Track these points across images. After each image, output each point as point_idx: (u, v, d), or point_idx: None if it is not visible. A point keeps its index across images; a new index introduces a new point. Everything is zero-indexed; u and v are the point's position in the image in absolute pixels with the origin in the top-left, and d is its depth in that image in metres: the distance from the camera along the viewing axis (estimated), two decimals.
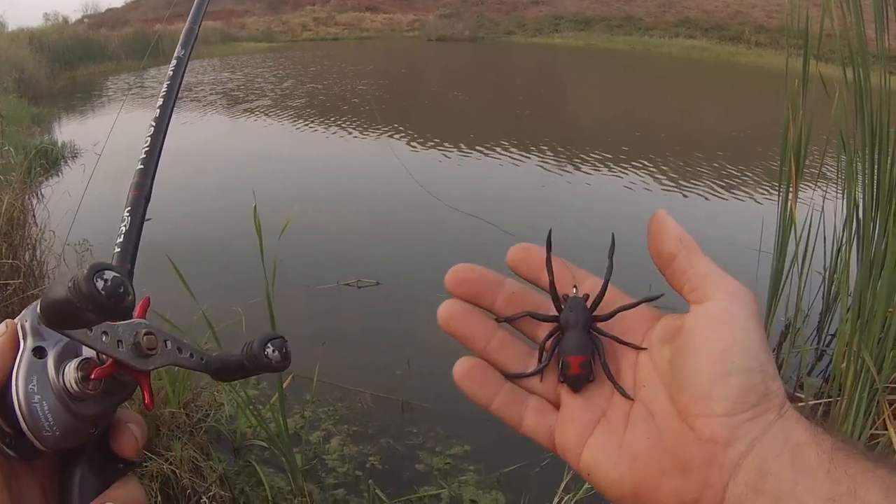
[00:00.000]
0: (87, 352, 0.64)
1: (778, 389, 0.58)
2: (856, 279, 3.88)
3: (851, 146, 4.05)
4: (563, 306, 0.71)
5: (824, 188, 5.33)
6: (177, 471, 3.60)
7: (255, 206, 3.40)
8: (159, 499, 3.50)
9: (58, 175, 10.83)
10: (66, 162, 11.62)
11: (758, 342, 0.59)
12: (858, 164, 3.99)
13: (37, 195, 8.66)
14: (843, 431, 3.55)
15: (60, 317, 0.54)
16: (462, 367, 0.69)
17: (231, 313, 4.65)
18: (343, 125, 15.39)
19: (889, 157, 3.64)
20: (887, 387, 3.65)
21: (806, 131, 4.31)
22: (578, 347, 0.67)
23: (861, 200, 3.99)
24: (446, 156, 12.63)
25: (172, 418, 3.93)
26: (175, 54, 0.97)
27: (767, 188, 10.24)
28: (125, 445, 0.67)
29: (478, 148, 13.13)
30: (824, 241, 5.17)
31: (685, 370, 0.60)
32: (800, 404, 4.27)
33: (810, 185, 5.75)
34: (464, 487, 3.90)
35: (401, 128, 14.90)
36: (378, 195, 9.87)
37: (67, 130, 14.33)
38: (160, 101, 0.91)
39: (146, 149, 0.87)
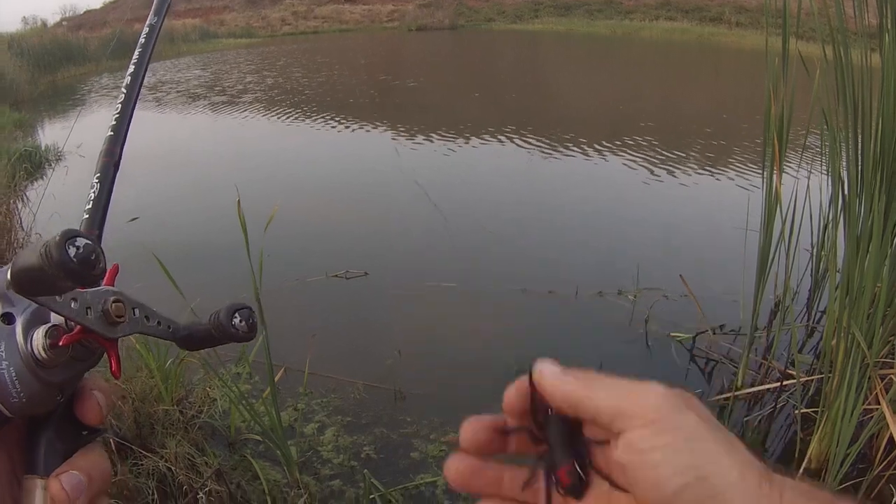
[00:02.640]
0: (56, 318, 0.64)
1: (746, 473, 0.54)
2: (843, 255, 3.89)
3: (834, 123, 4.06)
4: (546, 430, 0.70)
5: (809, 165, 5.34)
6: (172, 468, 3.60)
7: (239, 201, 3.40)
8: (156, 496, 3.51)
9: (42, 178, 10.77)
10: (50, 165, 11.57)
11: (704, 446, 0.55)
12: (842, 141, 4.00)
13: (22, 199, 8.64)
14: (837, 407, 3.58)
15: (31, 283, 0.54)
16: (453, 468, 0.65)
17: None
18: (322, 118, 15.35)
19: (871, 134, 3.66)
20: (878, 362, 3.67)
21: (788, 110, 4.31)
22: (563, 457, 0.64)
23: (846, 177, 4.01)
24: (425, 144, 12.63)
25: (166, 416, 3.93)
26: (147, 21, 0.98)
27: (752, 167, 10.28)
28: (89, 412, 0.67)
29: (458, 135, 13.13)
30: (811, 219, 5.19)
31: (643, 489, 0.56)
32: (791, 381, 4.30)
33: (795, 162, 5.77)
34: None
35: (381, 119, 14.91)
36: (362, 186, 9.91)
37: (50, 134, 14.29)
38: (131, 69, 0.91)
39: (116, 115, 0.87)
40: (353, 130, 14.16)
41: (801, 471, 3.76)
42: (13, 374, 0.61)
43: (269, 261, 3.64)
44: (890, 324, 3.71)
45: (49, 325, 0.63)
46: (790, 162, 5.32)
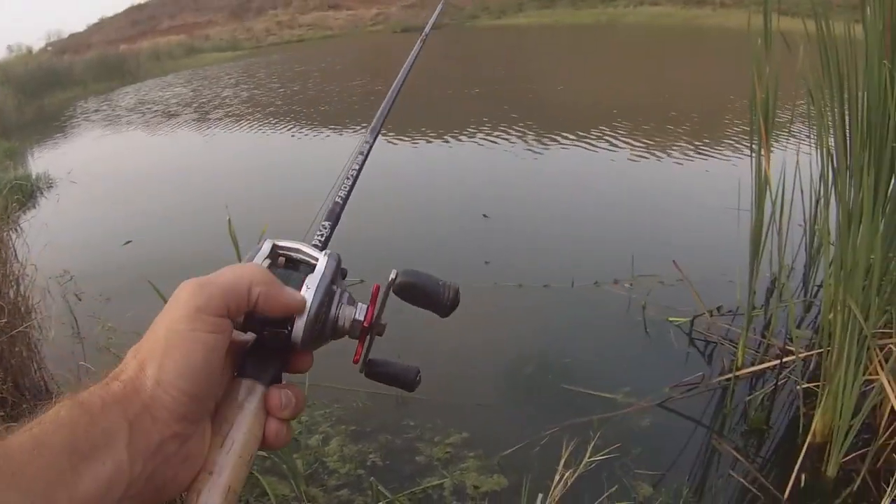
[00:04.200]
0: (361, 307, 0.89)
1: None
2: (836, 229, 3.89)
3: (820, 99, 4.06)
4: None
5: (798, 141, 5.35)
6: (184, 493, 3.58)
7: (230, 219, 3.41)
8: None
9: (34, 207, 10.80)
10: (42, 193, 11.59)
11: None
12: (829, 116, 3.99)
13: (15, 230, 8.63)
14: (837, 381, 3.58)
15: (416, 296, 0.90)
16: None
17: None
18: (308, 128, 15.38)
19: (857, 107, 3.66)
20: (876, 333, 3.67)
21: (773, 88, 4.31)
22: None
23: (835, 152, 4.01)
24: (403, 141, 12.64)
25: None
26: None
27: (742, 146, 10.28)
28: (306, 364, 0.89)
29: (437, 133, 13.18)
30: (802, 194, 5.20)
31: None
32: (791, 357, 4.31)
33: (784, 138, 5.77)
34: (466, 474, 3.92)
35: (355, 122, 14.97)
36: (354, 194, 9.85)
37: (40, 161, 14.30)
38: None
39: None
40: (325, 137, 14.42)
41: (805, 445, 3.77)
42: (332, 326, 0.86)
43: None
44: (886, 294, 3.71)
45: (358, 312, 0.88)
46: (779, 138, 5.33)
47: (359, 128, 14.56)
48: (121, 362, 0.73)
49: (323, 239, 0.99)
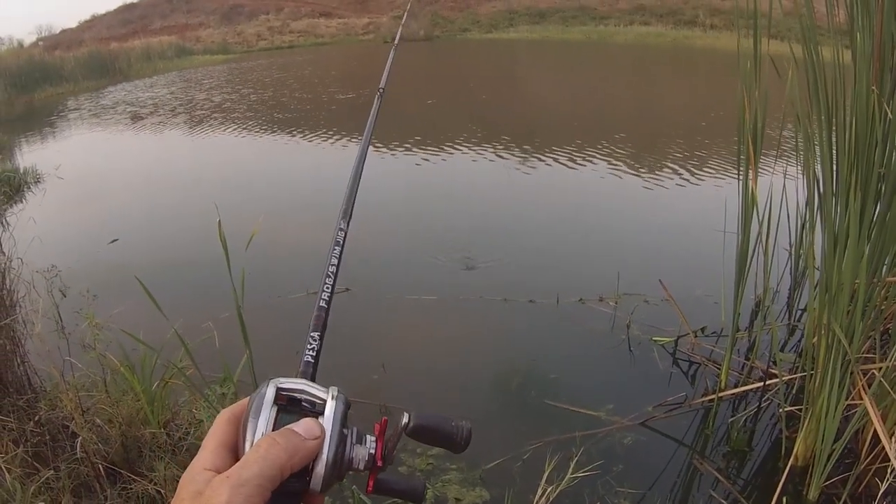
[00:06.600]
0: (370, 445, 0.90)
1: None
2: (821, 253, 3.91)
3: (807, 123, 4.08)
4: None
5: (785, 164, 5.37)
6: (162, 491, 3.58)
7: (220, 221, 3.40)
8: None
9: (22, 201, 10.75)
10: (30, 187, 11.55)
11: None
12: (816, 140, 4.02)
13: (1, 223, 8.61)
14: (820, 405, 3.60)
15: (434, 438, 0.90)
16: None
17: (203, 329, 4.62)
18: (298, 135, 15.34)
19: (845, 132, 3.68)
20: (859, 357, 3.69)
21: (762, 111, 4.33)
22: None
23: (821, 176, 4.04)
24: (405, 157, 12.65)
25: (153, 439, 3.91)
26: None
27: (729, 168, 10.33)
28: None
29: (442, 148, 13.15)
30: (788, 218, 5.23)
31: None
32: (775, 380, 4.32)
33: (771, 161, 5.80)
34: (447, 486, 3.92)
35: (334, 132, 15.09)
36: (330, 201, 9.86)
37: (29, 156, 14.24)
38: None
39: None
40: (339, 146, 14.25)
41: (787, 468, 3.78)
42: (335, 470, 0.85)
43: (250, 278, 3.63)
44: (869, 319, 3.73)
45: (369, 449, 0.89)
46: (766, 160, 5.35)
47: (307, 134, 14.82)
48: None
49: (314, 353, 0.97)
